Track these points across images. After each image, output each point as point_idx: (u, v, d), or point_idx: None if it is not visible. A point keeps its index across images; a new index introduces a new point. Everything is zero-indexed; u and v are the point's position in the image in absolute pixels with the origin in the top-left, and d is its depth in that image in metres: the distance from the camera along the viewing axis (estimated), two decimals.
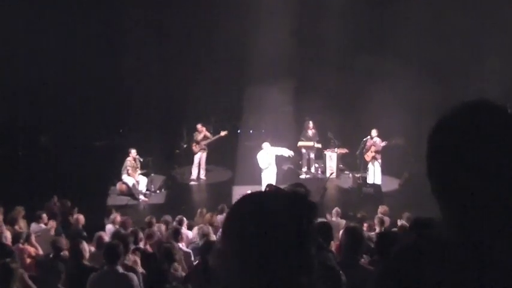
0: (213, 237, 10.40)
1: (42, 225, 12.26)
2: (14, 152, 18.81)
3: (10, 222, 11.50)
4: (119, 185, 17.61)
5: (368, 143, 16.98)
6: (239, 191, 16.85)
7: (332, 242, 7.29)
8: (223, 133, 18.06)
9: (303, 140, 18.20)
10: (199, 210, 14.29)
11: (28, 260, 10.28)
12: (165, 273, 7.63)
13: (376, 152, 16.82)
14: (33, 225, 12.23)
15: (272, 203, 1.79)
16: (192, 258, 9.82)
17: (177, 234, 10.17)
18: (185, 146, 18.70)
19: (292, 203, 1.78)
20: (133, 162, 17.36)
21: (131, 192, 17.32)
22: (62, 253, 8.88)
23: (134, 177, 17.23)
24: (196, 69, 19.49)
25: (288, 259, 1.70)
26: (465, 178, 1.65)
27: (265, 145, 16.05)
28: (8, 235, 10.17)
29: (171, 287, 7.33)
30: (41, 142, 18.96)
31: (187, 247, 10.48)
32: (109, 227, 12.16)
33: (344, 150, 18.07)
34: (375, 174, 16.95)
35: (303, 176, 18.32)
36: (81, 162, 17.60)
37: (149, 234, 10.99)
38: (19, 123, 18.86)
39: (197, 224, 12.91)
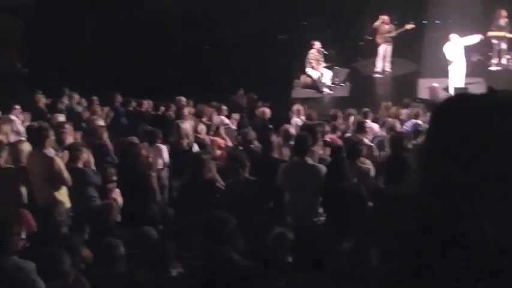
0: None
1: (223, 117, 12.69)
2: (198, 47, 19.39)
3: (198, 115, 11.99)
4: (303, 78, 17.76)
5: None
6: (425, 84, 16.40)
7: None
8: (408, 26, 17.41)
9: (493, 30, 17.09)
10: (384, 104, 14.13)
11: (218, 151, 10.78)
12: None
13: None
14: (215, 117, 12.68)
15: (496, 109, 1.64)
16: (376, 153, 9.76)
17: (362, 127, 10.10)
18: (369, 37, 18.30)
19: None
20: (316, 54, 17.35)
21: (315, 85, 17.43)
22: (251, 145, 9.16)
23: (318, 70, 17.27)
24: None
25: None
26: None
27: (453, 36, 15.32)
28: (202, 127, 10.65)
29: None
30: (225, 36, 19.36)
31: (372, 141, 10.41)
32: (294, 120, 12.35)
33: None
34: None
35: (493, 68, 17.35)
36: (265, 56, 17.83)
37: (334, 127, 11.06)
38: (201, 18, 19.31)
39: (382, 117, 12.80)
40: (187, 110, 11.91)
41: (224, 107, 13.12)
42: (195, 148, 9.64)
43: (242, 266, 4.14)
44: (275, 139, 8.38)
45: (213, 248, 4.07)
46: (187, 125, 9.93)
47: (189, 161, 8.10)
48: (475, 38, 15.36)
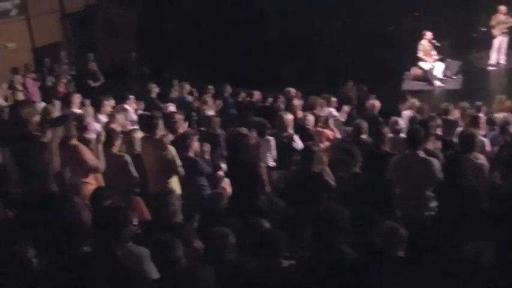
0: None
1: (332, 109, 12.57)
2: (307, 38, 19.31)
3: (309, 107, 11.95)
4: (413, 70, 17.40)
5: None
6: None
7: None
8: None
9: None
10: (498, 97, 13.64)
11: (326, 143, 10.71)
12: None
13: None
14: (325, 109, 12.59)
15: None
16: (489, 148, 9.43)
17: (475, 122, 9.80)
18: (484, 29, 17.67)
19: None
20: (428, 46, 16.93)
21: (426, 77, 17.05)
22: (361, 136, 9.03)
23: (429, 62, 16.86)
24: None
25: None
26: None
27: None
28: (310, 119, 10.61)
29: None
30: (334, 27, 19.21)
31: (485, 136, 10.06)
32: (405, 113, 12.10)
33: None
34: None
35: None
36: (374, 48, 17.58)
37: (445, 121, 10.76)
38: (311, 9, 19.21)
39: (495, 111, 12.36)
40: (295, 102, 11.91)
41: (334, 99, 13.00)
42: (296, 140, 9.61)
43: (353, 259, 4.07)
44: (387, 131, 8.22)
45: (325, 240, 4.03)
46: (289, 117, 9.91)
47: (300, 152, 8.11)
48: None
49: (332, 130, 10.97)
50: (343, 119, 12.56)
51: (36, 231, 5.00)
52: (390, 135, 8.86)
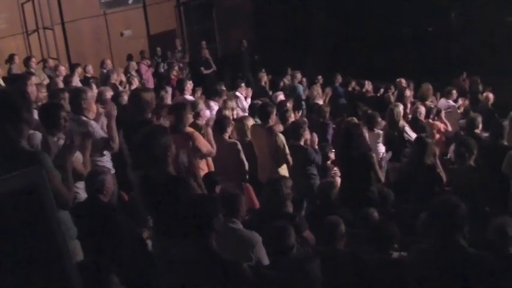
0: None
1: (451, 102, 12.28)
2: (422, 30, 18.94)
3: (421, 98, 11.74)
4: None
5: None
6: None
7: None
8: None
9: None
10: None
11: (437, 135, 10.51)
12: None
13: None
14: (442, 101, 12.33)
15: None
16: None
17: None
18: None
19: None
20: None
21: None
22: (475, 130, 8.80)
23: None
24: None
25: None
26: None
27: None
28: (422, 110, 10.43)
29: None
30: (450, 17, 18.74)
31: None
32: None
33: None
34: None
35: None
36: (491, 40, 17.07)
37: None
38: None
39: None
40: (407, 93, 11.73)
41: (453, 91, 12.62)
42: (408, 131, 9.46)
43: (474, 255, 4.00)
44: (506, 126, 7.96)
45: (444, 235, 3.97)
46: (400, 109, 9.76)
47: (412, 144, 8.02)
48: None
49: (444, 122, 10.76)
50: (459, 111, 12.24)
51: (153, 213, 5.21)
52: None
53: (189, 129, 7.18)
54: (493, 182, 7.11)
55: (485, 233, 5.12)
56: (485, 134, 8.76)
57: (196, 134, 7.07)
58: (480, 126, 8.77)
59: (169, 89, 13.20)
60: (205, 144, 7.10)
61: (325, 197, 6.54)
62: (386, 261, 4.85)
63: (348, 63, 17.40)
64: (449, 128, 10.81)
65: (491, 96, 12.24)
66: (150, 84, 15.54)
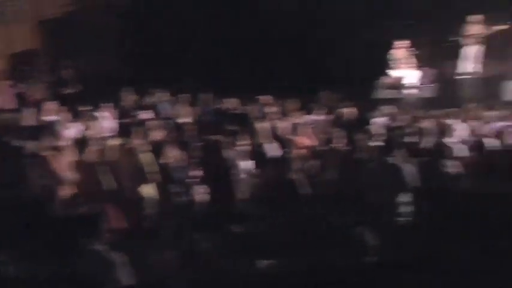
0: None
1: (314, 117, 12.60)
2: (286, 46, 19.35)
3: (285, 114, 11.95)
4: (387, 78, 17.53)
5: None
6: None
7: None
8: (500, 27, 16.93)
9: None
10: (470, 105, 13.87)
11: (301, 150, 10.76)
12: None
13: None
14: (306, 117, 12.63)
15: None
16: (462, 154, 9.56)
17: (446, 130, 9.96)
18: (459, 38, 17.80)
19: None
20: (403, 54, 17.10)
21: (401, 85, 17.18)
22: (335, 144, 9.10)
23: (404, 70, 17.04)
24: None
25: None
26: None
27: None
28: (287, 126, 10.63)
29: None
30: (312, 35, 19.27)
31: (457, 143, 10.19)
32: (378, 120, 12.23)
33: None
34: None
35: None
36: (349, 55, 17.70)
37: (419, 129, 10.90)
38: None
39: (468, 119, 12.55)
40: (271, 109, 11.98)
41: (310, 106, 12.99)
42: (272, 148, 9.65)
43: None
44: (363, 139, 8.31)
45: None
46: (264, 125, 9.96)
47: (275, 160, 8.20)
48: None
49: (308, 137, 11.04)
50: (319, 126, 12.61)
51: None
52: (366, 142, 8.97)
53: (47, 153, 7.00)
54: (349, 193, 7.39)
55: None
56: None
57: (55, 157, 6.90)
58: (341, 139, 9.10)
59: (31, 110, 12.79)
60: (63, 166, 6.94)
61: (190, 214, 6.55)
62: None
63: (215, 79, 17.45)
64: (314, 143, 11.09)
65: (351, 111, 12.73)
66: (12, 104, 14.99)
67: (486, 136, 10.29)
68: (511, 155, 9.05)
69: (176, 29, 19.94)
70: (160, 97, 14.66)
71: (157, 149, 8.39)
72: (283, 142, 10.11)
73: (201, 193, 8.57)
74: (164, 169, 8.12)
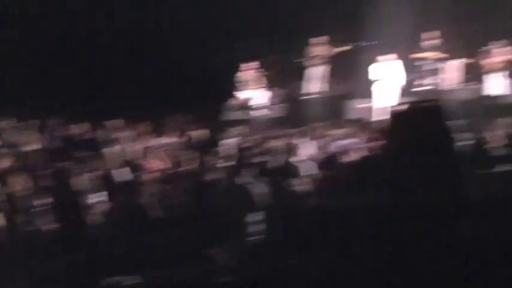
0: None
1: (163, 141, 12.59)
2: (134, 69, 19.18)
3: (136, 137, 11.85)
4: (237, 100, 17.81)
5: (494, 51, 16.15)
6: (357, 105, 16.78)
7: None
8: (343, 48, 17.69)
9: (421, 51, 17.32)
10: (318, 124, 14.33)
11: (153, 174, 10.69)
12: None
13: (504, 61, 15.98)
14: (154, 140, 12.56)
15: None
16: (310, 172, 9.87)
17: (293, 149, 10.26)
18: (305, 59, 18.39)
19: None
20: (252, 75, 17.48)
21: (250, 106, 17.50)
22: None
23: (254, 91, 17.39)
24: None
25: None
26: None
27: (382, 58, 15.88)
28: (137, 150, 10.56)
29: None
30: (158, 58, 19.21)
31: (306, 160, 10.51)
32: (229, 141, 12.38)
33: (468, 60, 16.99)
34: (498, 85, 16.18)
35: (421, 89, 17.37)
36: (199, 77, 17.82)
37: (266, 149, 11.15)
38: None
39: (316, 137, 12.96)
40: (122, 133, 11.83)
41: (161, 129, 12.97)
42: (126, 172, 9.55)
43: None
44: (213, 160, 8.40)
45: None
46: (114, 150, 9.85)
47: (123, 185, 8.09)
48: (399, 61, 15.91)
49: (160, 160, 10.99)
50: (171, 149, 12.59)
51: None
52: (217, 163, 9.08)
53: None
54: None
55: None
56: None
57: None
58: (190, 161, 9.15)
59: None
60: None
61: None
62: None
63: (64, 104, 16.93)
64: (167, 166, 11.05)
65: (202, 133, 12.83)
66: None
67: (333, 153, 10.66)
68: (356, 170, 9.43)
69: (22, 53, 19.23)
70: (5, 124, 14.09)
71: (2, 177, 8.06)
72: (135, 166, 10.01)
73: (48, 221, 8.34)
74: (10, 198, 7.81)
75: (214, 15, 18.44)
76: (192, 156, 9.75)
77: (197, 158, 9.47)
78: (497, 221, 4.99)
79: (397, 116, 2.15)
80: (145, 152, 11.06)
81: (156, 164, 10.88)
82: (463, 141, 9.54)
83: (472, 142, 9.15)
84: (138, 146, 10.84)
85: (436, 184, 2.08)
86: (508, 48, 15.95)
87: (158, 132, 13.00)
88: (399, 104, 14.42)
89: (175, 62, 18.47)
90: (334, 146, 11.74)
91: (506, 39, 16.00)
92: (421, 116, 2.12)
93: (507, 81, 16.06)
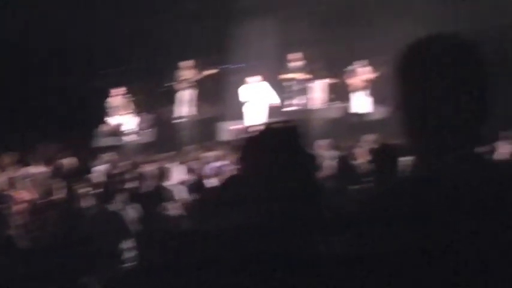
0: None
1: (33, 171, 12.32)
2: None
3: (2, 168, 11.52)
4: (105, 126, 17.66)
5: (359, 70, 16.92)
6: (227, 127, 17.06)
7: None
8: (210, 71, 17.94)
9: (287, 72, 17.82)
10: (188, 147, 14.45)
11: (21, 205, 10.40)
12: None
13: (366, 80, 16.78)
14: (20, 170, 12.27)
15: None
16: (181, 195, 9.95)
17: (165, 173, 10.32)
18: (173, 83, 18.47)
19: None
20: (120, 101, 17.40)
21: (119, 132, 17.40)
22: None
23: (122, 117, 17.30)
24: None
25: None
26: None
27: (249, 79, 16.29)
28: (2, 181, 10.25)
29: None
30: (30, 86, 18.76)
31: (176, 185, 10.59)
32: (98, 168, 12.27)
33: (333, 80, 17.61)
34: (362, 103, 16.94)
35: (288, 109, 17.93)
36: (67, 104, 17.53)
37: (139, 174, 11.13)
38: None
39: (186, 160, 13.06)
40: None
41: (28, 159, 12.67)
42: None
43: None
44: (81, 188, 8.32)
45: None
46: None
47: None
48: (266, 82, 16.42)
49: (27, 191, 10.71)
50: (40, 179, 12.29)
51: None
52: (87, 191, 8.97)
53: None
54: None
55: None
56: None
57: None
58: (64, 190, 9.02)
59: None
60: None
61: None
62: None
63: None
64: (34, 196, 10.77)
65: (70, 161, 12.60)
66: None
67: (203, 176, 10.80)
68: (230, 192, 9.59)
69: None
70: None
71: None
72: (1, 198, 9.71)
73: None
74: None
75: (80, 42, 18.20)
76: (61, 185, 9.56)
77: (66, 187, 9.30)
78: (364, 235, 5.26)
79: (247, 137, 2.31)
80: (12, 183, 10.73)
81: (23, 195, 10.60)
82: (329, 159, 10.00)
83: (337, 159, 9.51)
84: (4, 177, 10.50)
85: (292, 202, 2.24)
86: (369, 68, 16.77)
87: (24, 162, 12.64)
88: (257, 125, 14.83)
89: (40, 89, 18.06)
90: (206, 169, 11.89)
91: (367, 59, 16.83)
92: (271, 136, 2.28)
93: (370, 99, 16.89)
